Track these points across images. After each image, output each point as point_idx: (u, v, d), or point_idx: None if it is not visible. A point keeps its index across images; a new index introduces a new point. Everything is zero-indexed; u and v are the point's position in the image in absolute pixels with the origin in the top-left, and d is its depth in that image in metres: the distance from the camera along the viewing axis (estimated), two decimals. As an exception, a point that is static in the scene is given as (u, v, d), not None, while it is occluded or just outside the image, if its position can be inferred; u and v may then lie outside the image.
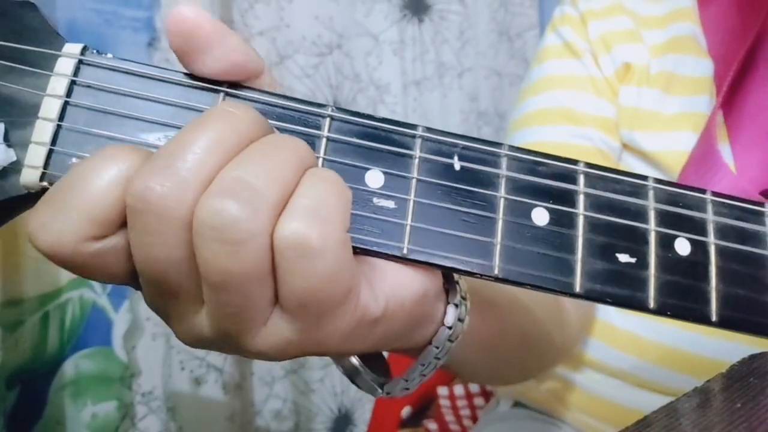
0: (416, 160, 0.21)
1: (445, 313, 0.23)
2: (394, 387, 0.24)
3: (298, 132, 0.21)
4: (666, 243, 0.22)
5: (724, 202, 0.23)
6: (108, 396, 0.63)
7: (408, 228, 0.21)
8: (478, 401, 0.62)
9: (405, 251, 0.20)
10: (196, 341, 0.20)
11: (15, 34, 0.20)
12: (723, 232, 0.23)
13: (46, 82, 0.20)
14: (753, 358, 0.23)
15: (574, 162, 0.22)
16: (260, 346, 0.19)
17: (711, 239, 0.23)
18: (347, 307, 0.19)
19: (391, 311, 0.20)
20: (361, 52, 0.84)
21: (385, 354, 0.25)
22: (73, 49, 0.20)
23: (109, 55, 0.20)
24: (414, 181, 0.21)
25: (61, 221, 0.17)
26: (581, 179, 0.22)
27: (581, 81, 0.46)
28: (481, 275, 0.21)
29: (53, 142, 0.19)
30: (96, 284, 0.64)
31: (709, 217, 0.23)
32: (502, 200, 0.21)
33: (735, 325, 0.22)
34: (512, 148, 0.22)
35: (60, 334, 0.61)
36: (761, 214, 0.23)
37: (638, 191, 0.23)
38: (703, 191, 0.23)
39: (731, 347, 0.36)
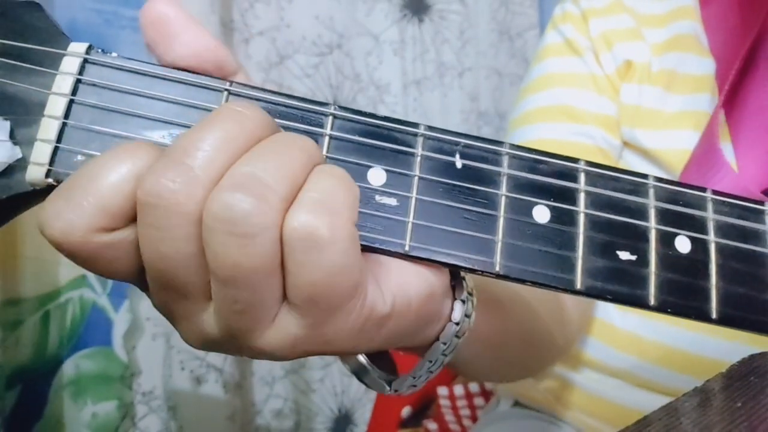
0: (418, 158, 0.21)
1: (452, 309, 0.23)
2: (402, 384, 0.24)
3: (301, 130, 0.21)
4: (666, 241, 0.22)
5: (724, 201, 0.23)
6: (108, 395, 0.63)
7: (410, 225, 0.21)
8: (478, 401, 0.62)
9: (407, 248, 0.21)
10: (203, 341, 0.20)
11: (21, 34, 0.20)
12: (723, 230, 0.23)
13: (51, 80, 0.20)
14: (753, 357, 0.23)
15: (575, 160, 0.22)
16: (268, 344, 0.19)
17: (711, 237, 0.23)
18: (355, 304, 0.19)
19: (398, 310, 0.21)
20: (362, 52, 0.84)
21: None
22: (78, 48, 0.20)
23: (114, 54, 0.20)
24: (416, 178, 0.21)
25: (73, 210, 0.18)
26: (582, 177, 0.22)
27: (582, 78, 0.47)
28: (483, 272, 0.21)
29: (59, 139, 0.20)
30: (96, 284, 0.64)
31: (710, 215, 0.23)
32: (503, 198, 0.21)
33: (735, 323, 0.22)
34: (513, 146, 0.22)
35: (60, 334, 0.61)
36: (761, 212, 0.24)
37: (639, 189, 0.23)
38: (704, 189, 0.23)
39: (731, 347, 0.37)
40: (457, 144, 0.22)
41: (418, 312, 0.21)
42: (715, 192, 0.23)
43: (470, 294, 0.24)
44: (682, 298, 0.22)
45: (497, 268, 0.21)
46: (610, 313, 0.45)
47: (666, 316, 0.22)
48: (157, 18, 0.20)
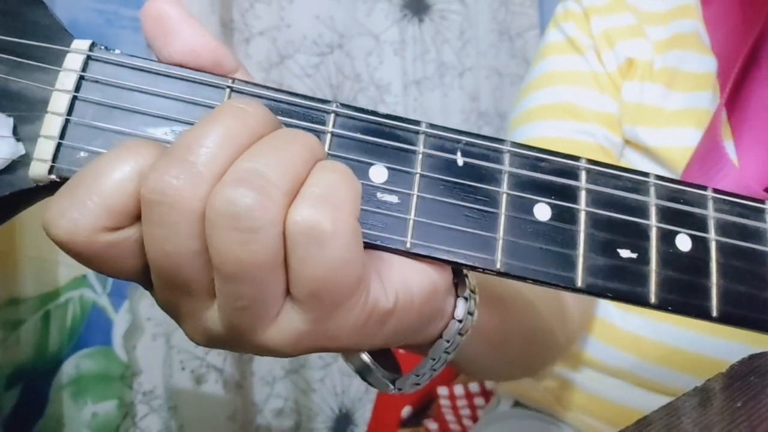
0: (419, 156, 0.21)
1: (455, 307, 0.23)
2: (405, 383, 0.24)
3: (303, 127, 0.21)
4: (667, 239, 0.22)
5: (725, 199, 0.23)
6: (108, 395, 0.63)
7: (411, 223, 0.21)
8: (478, 401, 0.62)
9: (408, 245, 0.21)
10: (207, 339, 0.20)
11: (24, 31, 0.20)
12: (724, 228, 0.23)
13: (54, 77, 0.20)
14: (753, 357, 0.23)
15: (576, 158, 0.23)
16: (271, 340, 0.19)
17: (712, 235, 0.23)
18: (358, 299, 0.19)
19: (401, 305, 0.21)
20: (362, 52, 0.84)
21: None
22: (81, 45, 0.20)
23: (117, 51, 0.20)
24: (417, 176, 0.21)
25: (77, 209, 0.18)
26: (583, 175, 0.22)
27: (584, 77, 0.47)
28: (484, 269, 0.21)
29: (62, 135, 0.20)
30: (96, 284, 0.64)
31: (710, 213, 0.23)
32: (504, 196, 0.22)
33: (735, 321, 0.22)
34: (514, 144, 0.22)
35: (60, 334, 0.61)
36: (762, 211, 0.24)
37: (639, 187, 0.23)
38: (704, 188, 0.23)
39: (732, 346, 0.37)
40: (458, 142, 0.22)
41: (421, 309, 0.21)
42: (715, 190, 0.23)
43: (473, 291, 0.24)
44: (683, 296, 0.22)
45: (498, 266, 0.21)
46: (610, 313, 0.45)
47: (666, 316, 0.22)
48: (157, 14, 0.20)
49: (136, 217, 0.18)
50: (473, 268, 0.21)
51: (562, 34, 0.49)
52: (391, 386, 0.24)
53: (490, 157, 0.22)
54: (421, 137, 0.22)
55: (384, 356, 0.24)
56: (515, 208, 0.22)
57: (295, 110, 0.21)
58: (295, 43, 0.78)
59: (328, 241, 0.17)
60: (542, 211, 0.22)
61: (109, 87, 0.20)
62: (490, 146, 0.22)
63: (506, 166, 0.22)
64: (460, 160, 0.22)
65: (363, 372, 0.24)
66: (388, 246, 0.21)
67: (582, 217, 0.22)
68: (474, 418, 0.60)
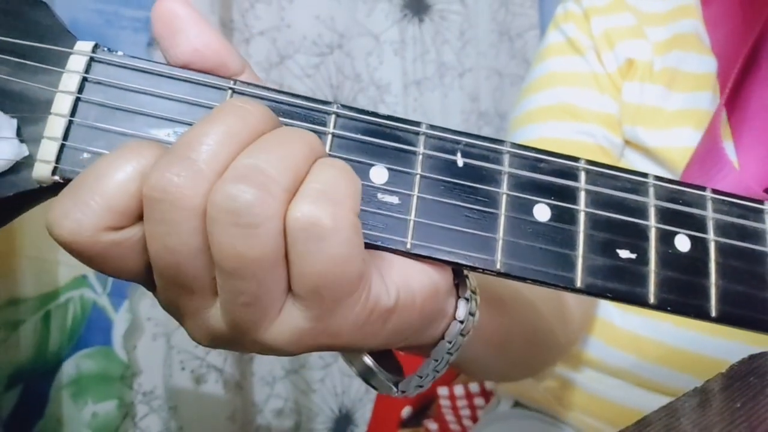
0: (420, 157, 0.21)
1: (456, 307, 0.23)
2: (408, 385, 0.24)
3: (304, 128, 0.21)
4: (666, 239, 0.22)
5: (723, 200, 0.23)
6: (109, 395, 0.63)
7: (412, 223, 0.21)
8: (478, 401, 0.62)
9: (409, 246, 0.21)
10: (210, 338, 0.20)
11: (28, 33, 0.20)
12: (723, 229, 0.23)
13: (58, 78, 0.20)
14: (753, 357, 0.23)
15: (576, 159, 0.23)
16: (274, 338, 0.19)
17: (711, 236, 0.23)
18: (359, 295, 0.19)
19: (402, 304, 0.21)
20: (362, 52, 0.84)
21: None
22: (84, 46, 0.20)
23: (120, 53, 0.21)
24: (418, 177, 0.21)
25: (80, 210, 0.18)
26: (582, 176, 0.22)
27: (584, 77, 0.47)
28: (484, 270, 0.21)
29: (65, 137, 0.20)
30: (96, 284, 0.64)
31: (709, 214, 0.23)
32: (504, 196, 0.22)
33: (734, 321, 0.23)
34: (514, 145, 0.22)
35: (61, 334, 0.61)
36: (761, 211, 0.24)
37: (639, 188, 0.23)
38: (703, 189, 0.23)
39: (731, 346, 0.37)
40: (458, 143, 0.22)
41: (422, 308, 0.22)
42: (714, 191, 0.23)
43: (473, 292, 0.24)
44: (682, 296, 0.22)
45: (498, 266, 0.21)
46: (610, 313, 0.45)
47: (666, 316, 0.22)
48: (165, 13, 0.20)
49: (139, 217, 0.18)
50: (473, 269, 0.21)
51: (562, 35, 0.49)
52: (395, 389, 0.24)
53: (490, 158, 0.22)
54: (422, 138, 0.22)
55: (386, 359, 0.24)
56: (515, 208, 0.22)
57: (296, 111, 0.21)
58: (295, 44, 0.78)
59: (329, 237, 0.18)
60: (542, 212, 0.22)
61: (112, 88, 0.20)
62: (489, 147, 0.22)
63: (506, 167, 0.22)
64: (460, 161, 0.22)
65: (366, 375, 0.24)
66: (389, 246, 0.21)
67: (581, 217, 0.22)
68: (474, 419, 0.60)
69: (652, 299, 0.22)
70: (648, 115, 0.44)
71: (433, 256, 0.21)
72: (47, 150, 0.19)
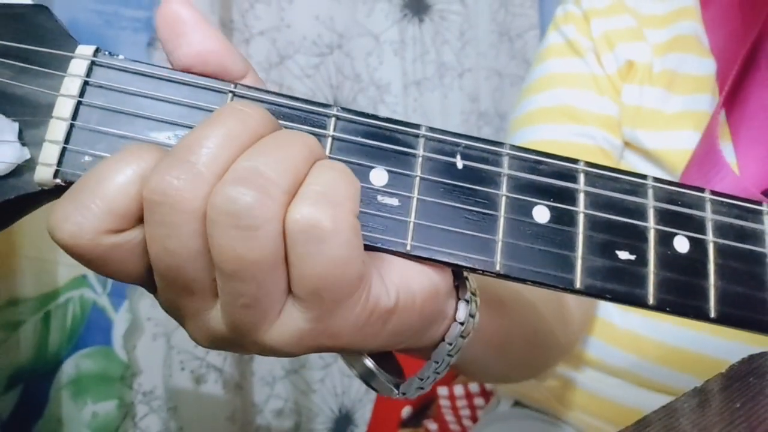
0: (420, 159, 0.22)
1: (456, 309, 0.23)
2: (409, 387, 0.24)
3: (304, 131, 0.21)
4: (665, 240, 0.22)
5: (722, 201, 0.23)
6: (108, 395, 0.63)
7: (411, 225, 0.21)
8: (478, 401, 0.62)
9: (409, 248, 0.21)
10: (211, 339, 0.20)
11: (30, 37, 0.20)
12: (721, 230, 0.23)
13: (59, 82, 0.20)
14: (752, 358, 0.23)
15: (575, 161, 0.23)
16: (274, 339, 0.19)
17: (709, 237, 0.23)
18: (359, 296, 0.19)
19: (402, 305, 0.21)
20: (362, 52, 0.84)
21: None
22: (85, 50, 0.21)
23: (121, 57, 0.21)
24: (417, 179, 0.21)
25: (81, 213, 0.18)
26: (581, 178, 0.23)
27: (584, 79, 0.47)
28: (483, 271, 0.21)
29: (66, 140, 0.20)
30: (96, 284, 0.64)
31: (708, 215, 0.23)
32: (503, 198, 0.22)
33: (733, 322, 0.23)
34: (514, 147, 0.22)
35: (60, 334, 0.61)
36: (759, 212, 0.24)
37: (638, 190, 0.23)
38: (702, 190, 0.24)
39: (731, 346, 0.37)
40: (457, 145, 0.22)
41: (422, 309, 0.22)
42: (713, 192, 0.24)
43: (473, 294, 0.24)
44: (681, 297, 0.22)
45: (497, 268, 0.21)
46: (610, 313, 0.45)
47: (666, 316, 0.22)
48: (170, 16, 0.20)
49: (139, 220, 0.19)
50: (473, 270, 0.21)
51: (561, 37, 0.49)
52: (396, 391, 0.24)
53: (490, 160, 0.22)
54: (421, 140, 0.22)
55: (387, 361, 0.24)
56: (514, 210, 0.22)
57: (297, 114, 0.21)
58: (294, 44, 0.78)
59: (328, 239, 0.18)
60: (541, 214, 0.22)
61: (113, 92, 0.20)
62: (489, 149, 0.22)
63: (505, 169, 0.22)
64: (460, 163, 0.22)
65: (366, 377, 0.24)
66: (389, 248, 0.21)
67: (580, 219, 0.22)
68: (474, 419, 0.61)
69: (651, 300, 0.22)
70: (647, 118, 0.44)
71: (433, 257, 0.21)
72: (49, 153, 0.20)
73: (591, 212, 0.22)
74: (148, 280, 0.20)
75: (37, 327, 0.59)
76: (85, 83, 0.20)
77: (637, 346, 0.43)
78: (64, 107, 0.20)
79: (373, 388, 0.25)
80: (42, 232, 0.18)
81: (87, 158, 0.20)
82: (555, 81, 0.48)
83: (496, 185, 0.22)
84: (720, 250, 0.23)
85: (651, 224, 0.23)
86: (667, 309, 0.22)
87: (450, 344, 0.24)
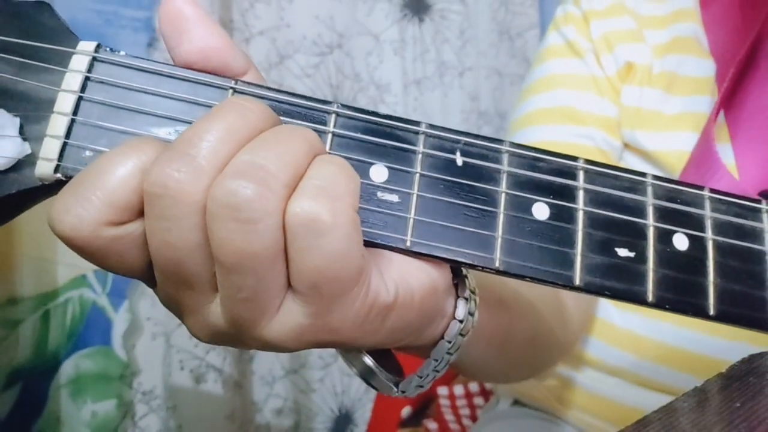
0: (419, 156, 0.22)
1: (455, 307, 0.23)
2: (409, 385, 0.24)
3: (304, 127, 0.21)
4: (664, 238, 0.23)
5: (721, 199, 0.24)
6: (108, 394, 0.63)
7: (411, 221, 0.21)
8: (478, 400, 0.62)
9: (408, 244, 0.21)
10: (211, 334, 0.20)
11: (31, 33, 0.20)
12: (721, 228, 0.23)
13: (61, 78, 0.20)
14: (752, 357, 0.23)
15: (574, 158, 0.23)
16: (273, 334, 0.20)
17: (709, 235, 0.23)
18: (359, 291, 0.19)
19: (401, 301, 0.21)
20: (362, 52, 0.84)
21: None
22: (87, 46, 0.21)
23: (122, 53, 0.21)
24: (417, 175, 0.21)
25: (81, 205, 0.18)
26: (581, 175, 0.23)
27: (583, 80, 0.47)
28: (483, 268, 0.21)
29: (67, 135, 0.20)
30: (95, 284, 0.64)
31: (707, 213, 0.23)
32: (503, 195, 0.22)
33: (733, 320, 0.23)
34: (513, 144, 0.22)
35: (60, 334, 0.61)
36: (758, 210, 0.24)
37: (637, 187, 0.23)
38: (701, 188, 0.24)
39: (731, 346, 0.37)
40: (457, 142, 0.22)
41: (421, 306, 0.22)
42: (712, 190, 0.24)
43: (473, 292, 0.24)
44: (680, 294, 0.22)
45: (497, 264, 0.21)
46: (609, 313, 0.45)
47: (665, 315, 0.22)
48: (172, 12, 0.20)
49: (140, 213, 0.19)
50: (472, 267, 0.22)
51: (561, 38, 0.49)
52: (395, 389, 0.24)
53: (489, 157, 0.22)
54: (421, 137, 0.22)
55: (386, 359, 0.24)
56: (514, 207, 0.22)
57: (297, 111, 0.21)
58: (294, 43, 0.78)
59: (328, 233, 0.18)
60: (541, 211, 0.22)
61: (114, 87, 0.20)
62: (489, 146, 0.22)
63: (505, 166, 0.22)
64: (460, 160, 0.22)
65: (366, 375, 0.24)
66: (389, 244, 0.21)
67: (580, 216, 0.22)
68: (473, 418, 0.61)
69: (650, 297, 0.22)
70: (647, 119, 0.44)
71: (433, 253, 0.21)
72: (50, 148, 0.20)
73: (590, 209, 0.22)
74: (147, 274, 0.20)
75: (36, 326, 0.59)
76: (87, 79, 0.20)
77: (636, 346, 0.43)
78: (65, 102, 0.20)
79: (373, 387, 0.25)
80: (42, 231, 0.19)
81: (88, 153, 0.20)
82: (555, 82, 0.48)
83: (496, 182, 0.22)
84: (719, 247, 0.23)
85: (650, 222, 0.23)
86: (667, 306, 0.22)
87: (449, 342, 0.24)
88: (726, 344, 0.38)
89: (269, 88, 0.21)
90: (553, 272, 0.22)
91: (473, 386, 0.63)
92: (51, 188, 0.20)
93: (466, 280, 0.24)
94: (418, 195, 0.21)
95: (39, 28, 0.20)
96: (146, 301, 0.64)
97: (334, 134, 0.21)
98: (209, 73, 0.21)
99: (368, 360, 0.24)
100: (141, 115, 0.20)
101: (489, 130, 0.96)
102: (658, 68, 0.45)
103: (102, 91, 0.20)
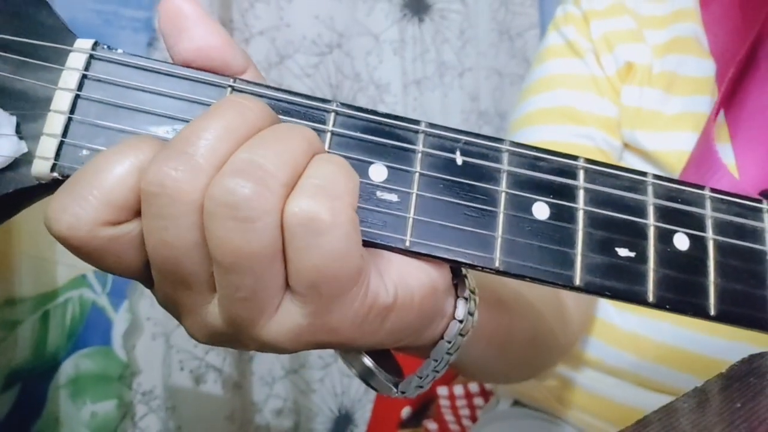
0: (419, 155, 0.21)
1: (455, 307, 0.23)
2: (408, 385, 0.24)
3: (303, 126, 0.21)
4: (665, 238, 0.22)
5: (722, 199, 0.23)
6: (108, 395, 0.63)
7: (411, 221, 0.21)
8: (478, 401, 0.62)
9: (408, 243, 0.21)
10: (209, 335, 0.20)
11: (28, 31, 0.20)
12: (721, 227, 0.23)
13: (58, 76, 0.20)
14: (752, 358, 0.23)
15: (574, 158, 0.23)
16: (272, 335, 0.19)
17: (709, 234, 0.23)
18: (358, 291, 0.19)
19: (401, 301, 0.21)
20: (362, 52, 0.84)
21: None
22: (84, 44, 0.21)
23: (120, 51, 0.21)
24: (417, 175, 0.21)
25: (79, 204, 0.18)
26: (581, 175, 0.22)
27: (583, 80, 0.47)
28: (483, 268, 0.21)
29: (64, 134, 0.20)
30: (95, 284, 0.64)
31: (708, 212, 0.23)
32: (503, 194, 0.22)
33: (733, 320, 0.23)
34: (513, 143, 0.22)
35: (59, 334, 0.61)
36: (759, 210, 0.24)
37: (637, 187, 0.23)
38: (702, 187, 0.23)
39: (731, 346, 0.37)
40: (457, 141, 0.22)
41: (421, 306, 0.22)
42: (713, 190, 0.24)
43: (472, 292, 0.24)
44: (681, 294, 0.22)
45: (497, 264, 0.21)
46: (609, 313, 0.45)
47: (666, 315, 0.22)
48: (172, 10, 0.20)
49: (137, 212, 0.18)
50: (472, 266, 0.21)
51: (561, 38, 0.49)
52: (394, 389, 0.24)
53: (489, 157, 0.22)
54: (421, 136, 0.22)
55: (385, 359, 0.24)
56: (514, 206, 0.22)
57: (296, 109, 0.21)
58: (294, 43, 0.78)
59: (326, 232, 0.18)
60: (541, 210, 0.22)
61: (112, 86, 0.20)
62: (489, 145, 0.22)
63: (505, 165, 0.22)
64: (459, 159, 0.22)
65: (365, 376, 0.24)
66: (388, 244, 0.21)
67: (580, 215, 0.22)
68: (473, 418, 0.61)
69: (650, 297, 0.22)
70: (647, 119, 0.44)
71: (432, 253, 0.21)
72: (46, 147, 0.20)
73: (591, 209, 0.22)
74: (145, 274, 0.20)
75: (35, 326, 0.59)
76: (84, 77, 0.20)
77: (636, 346, 0.43)
78: (62, 101, 0.20)
79: (372, 387, 0.24)
80: (41, 230, 0.18)
81: (85, 152, 0.20)
82: (555, 82, 0.48)
83: (496, 181, 0.22)
84: (720, 247, 0.23)
85: (651, 221, 0.22)
86: (667, 306, 0.22)
87: (449, 342, 0.24)
88: (726, 344, 0.38)
89: (268, 87, 0.21)
90: (553, 272, 0.21)
91: (473, 386, 0.63)
92: (48, 187, 0.20)
93: (465, 280, 0.23)
94: (417, 194, 0.21)
95: (37, 26, 0.20)
96: (146, 301, 0.64)
97: (333, 133, 0.21)
98: (208, 71, 0.21)
99: (367, 360, 0.24)
100: (139, 114, 0.20)
101: (489, 131, 0.96)
102: (658, 68, 0.44)
103: (99, 89, 0.20)
